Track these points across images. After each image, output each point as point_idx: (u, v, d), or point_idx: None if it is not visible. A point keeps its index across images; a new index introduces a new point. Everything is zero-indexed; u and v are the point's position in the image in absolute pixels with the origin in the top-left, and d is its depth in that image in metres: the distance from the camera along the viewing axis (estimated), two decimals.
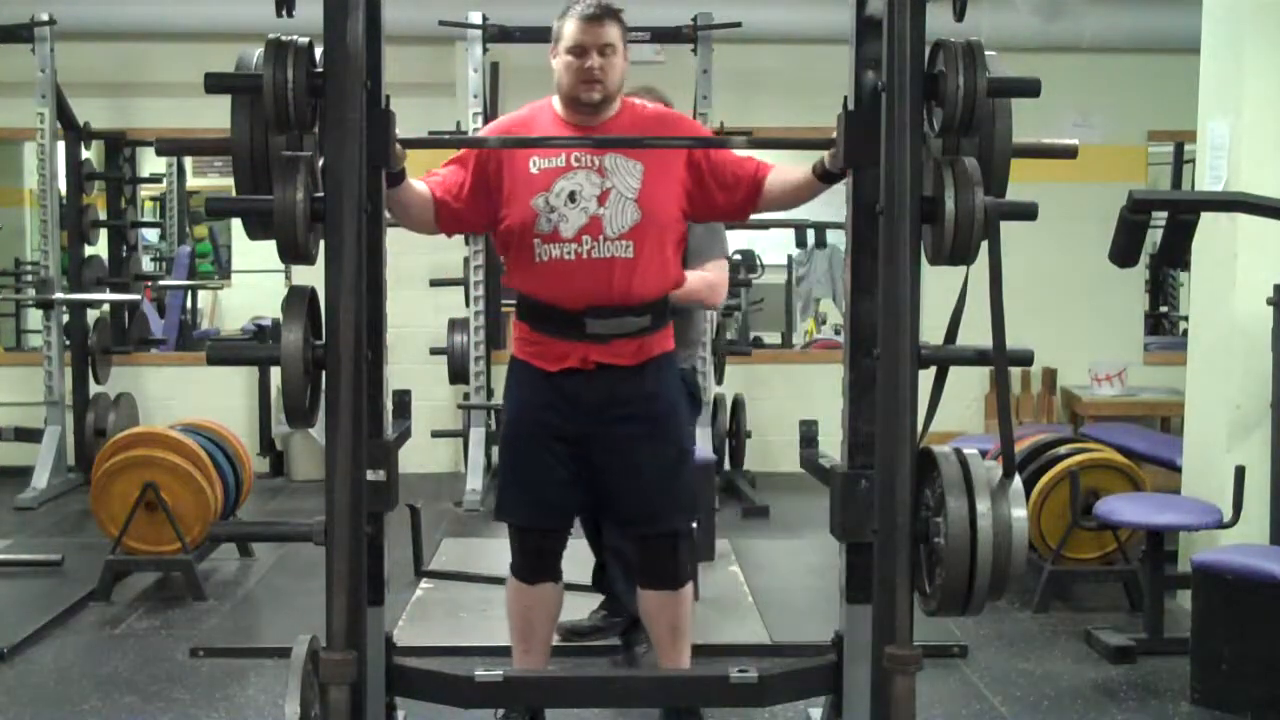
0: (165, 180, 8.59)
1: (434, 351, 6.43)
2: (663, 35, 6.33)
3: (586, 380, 3.02)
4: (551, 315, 3.02)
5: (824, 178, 2.91)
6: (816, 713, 3.09)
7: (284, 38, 2.46)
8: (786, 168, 3.06)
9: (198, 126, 6.08)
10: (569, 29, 3.03)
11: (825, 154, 2.85)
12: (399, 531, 3.49)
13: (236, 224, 10.59)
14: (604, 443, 3.05)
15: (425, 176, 3.03)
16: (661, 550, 3.14)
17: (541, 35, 6.74)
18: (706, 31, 6.30)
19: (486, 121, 6.37)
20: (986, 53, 2.48)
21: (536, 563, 3.16)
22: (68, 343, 6.54)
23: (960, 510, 2.40)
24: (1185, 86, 4.66)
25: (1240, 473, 3.98)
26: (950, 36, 2.49)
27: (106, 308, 6.94)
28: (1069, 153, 2.77)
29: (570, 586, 3.67)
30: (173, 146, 5.65)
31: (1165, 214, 3.80)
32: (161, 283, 8.28)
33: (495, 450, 6.18)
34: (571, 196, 2.97)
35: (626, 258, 2.98)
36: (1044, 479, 4.52)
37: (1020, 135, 2.65)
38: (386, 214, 2.79)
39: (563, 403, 3.04)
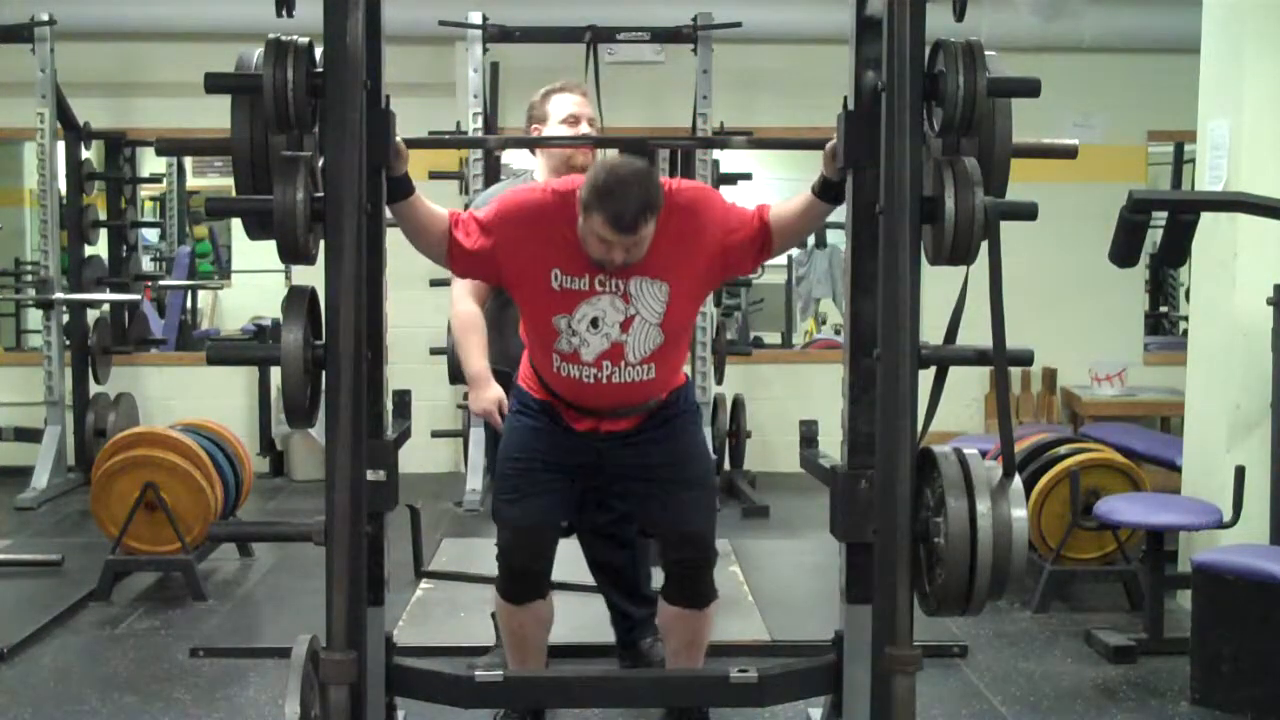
0: (165, 180, 8.59)
1: (434, 351, 6.42)
2: (663, 35, 6.33)
3: (600, 436, 3.04)
4: (564, 401, 3.02)
5: (823, 194, 2.82)
6: (816, 713, 3.09)
7: (284, 38, 2.46)
8: (785, 201, 2.95)
9: (198, 126, 6.07)
10: (597, 221, 2.72)
11: (824, 156, 2.78)
12: (399, 531, 3.49)
13: (236, 224, 10.55)
14: (622, 461, 3.04)
15: (451, 214, 2.90)
16: (696, 569, 3.09)
17: (542, 35, 6.78)
18: (706, 31, 6.30)
19: (486, 123, 6.38)
20: (986, 53, 2.48)
21: (525, 583, 3.11)
22: (68, 343, 6.54)
23: (960, 510, 2.40)
24: (1185, 86, 4.66)
25: (1240, 473, 3.97)
26: (950, 36, 2.49)
27: (106, 308, 6.94)
28: (1069, 153, 2.77)
29: (569, 586, 3.68)
30: (173, 146, 5.66)
31: (1165, 214, 3.80)
32: (161, 283, 8.27)
33: (495, 451, 6.18)
34: (594, 322, 2.88)
35: (647, 380, 2.94)
36: (1044, 479, 4.52)
37: (1020, 135, 2.65)
38: (387, 214, 2.79)
39: (573, 439, 3.03)
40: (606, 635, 3.73)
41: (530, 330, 3.01)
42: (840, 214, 2.85)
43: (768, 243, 2.92)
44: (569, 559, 3.53)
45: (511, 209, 2.90)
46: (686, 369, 3.34)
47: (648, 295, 2.87)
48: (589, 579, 3.73)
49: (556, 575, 3.23)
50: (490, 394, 3.43)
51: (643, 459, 3.03)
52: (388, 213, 2.77)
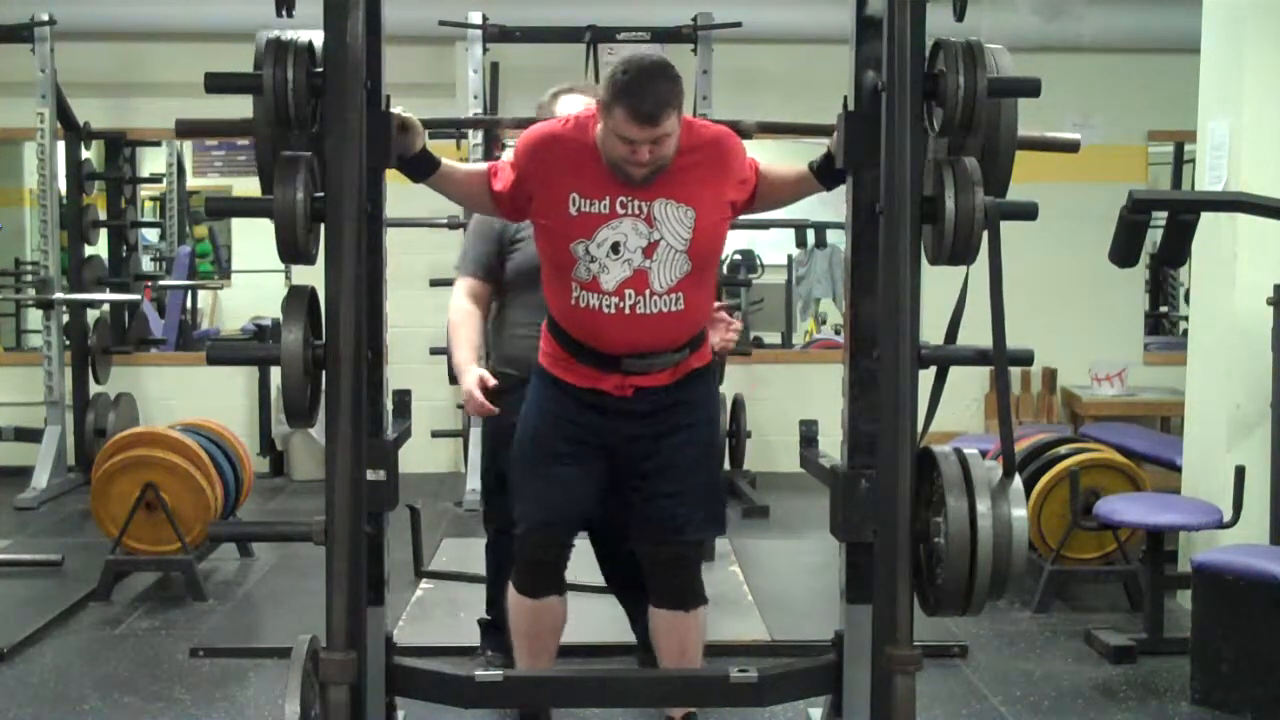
0: (165, 180, 8.59)
1: (434, 351, 6.42)
2: (663, 35, 6.32)
3: (624, 398, 2.91)
4: (586, 350, 2.89)
5: (821, 173, 2.84)
6: (816, 713, 3.09)
7: (284, 37, 2.46)
8: (778, 167, 2.97)
9: None
10: (618, 116, 2.68)
11: (829, 144, 2.78)
12: (399, 531, 3.49)
13: (237, 224, 10.52)
14: (633, 450, 2.94)
15: (490, 166, 2.93)
16: (681, 565, 3.03)
17: (542, 35, 6.77)
18: (706, 31, 6.30)
19: None
20: (991, 46, 2.48)
21: (541, 575, 3.07)
22: (68, 343, 6.54)
23: (960, 510, 2.40)
24: (1185, 86, 4.67)
25: (1240, 473, 3.98)
26: (950, 36, 2.49)
27: (106, 308, 6.94)
28: (1070, 146, 2.77)
29: (580, 588, 3.66)
30: (191, 128, 5.62)
31: (1165, 214, 3.80)
32: (161, 283, 8.27)
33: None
34: (615, 247, 2.77)
35: (675, 311, 2.82)
36: (1044, 479, 4.52)
37: (1020, 135, 2.65)
38: (387, 214, 2.79)
39: (590, 413, 2.93)
40: (618, 635, 3.72)
41: (549, 269, 2.90)
42: (840, 214, 2.85)
43: (752, 199, 2.94)
44: (577, 560, 3.52)
45: (531, 140, 2.88)
46: None
47: (672, 219, 2.78)
48: (599, 579, 3.71)
49: (567, 576, 3.19)
50: (469, 378, 3.21)
51: (662, 431, 2.92)
52: (388, 212, 2.78)
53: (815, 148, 2.89)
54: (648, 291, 2.79)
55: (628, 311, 2.80)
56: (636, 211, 2.78)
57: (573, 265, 2.80)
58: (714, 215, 2.85)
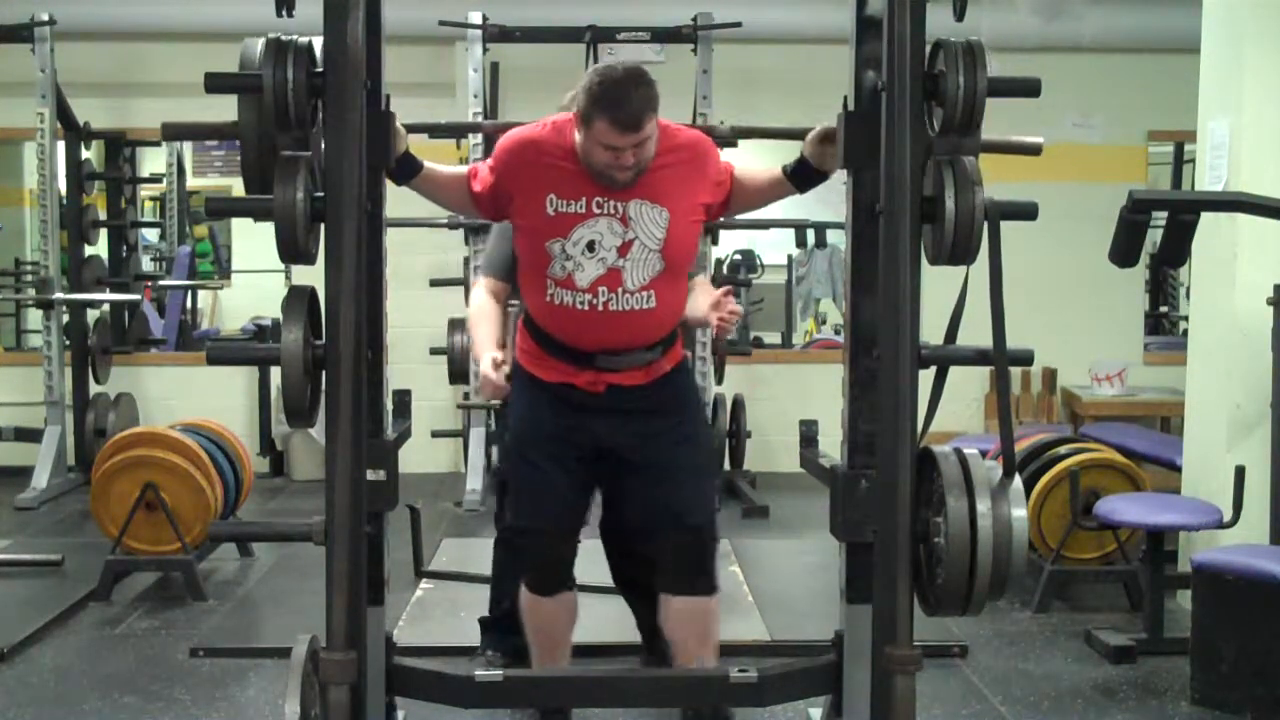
0: (165, 180, 8.59)
1: (434, 351, 6.42)
2: (663, 35, 6.33)
3: (596, 394, 2.97)
4: (560, 347, 2.96)
5: (794, 176, 2.89)
6: (816, 713, 3.09)
7: (284, 37, 2.47)
8: (752, 171, 3.03)
9: None
10: (600, 126, 2.74)
11: (809, 139, 2.83)
12: (399, 531, 3.49)
13: (237, 224, 10.51)
14: (620, 444, 2.98)
15: (470, 169, 2.98)
16: (691, 550, 3.03)
17: (542, 35, 6.77)
18: (706, 31, 6.31)
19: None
20: None
21: (553, 573, 3.10)
22: (68, 343, 6.54)
23: (960, 510, 2.40)
24: (1185, 86, 4.66)
25: (1240, 473, 3.98)
26: (950, 36, 2.49)
27: (106, 308, 6.94)
28: (1033, 150, 2.78)
29: (586, 588, 3.66)
30: (177, 131, 5.64)
31: (1165, 214, 3.80)
32: (161, 283, 8.27)
33: (496, 451, 6.18)
34: (590, 246, 2.84)
35: (647, 308, 2.88)
36: (1044, 479, 4.52)
37: (1018, 135, 2.65)
38: (387, 214, 2.80)
39: (566, 411, 2.98)
40: (621, 635, 3.72)
41: (525, 267, 2.96)
42: (840, 214, 2.85)
43: (727, 202, 3.01)
44: (581, 560, 3.52)
45: (509, 144, 2.95)
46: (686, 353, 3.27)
47: (647, 219, 2.85)
48: (606, 580, 3.71)
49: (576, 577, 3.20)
50: (484, 361, 3.07)
51: (644, 433, 2.97)
52: (388, 212, 2.79)
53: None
54: (620, 289, 2.86)
55: (600, 308, 2.86)
56: (612, 211, 2.85)
57: (548, 263, 2.87)
58: (688, 217, 2.92)
